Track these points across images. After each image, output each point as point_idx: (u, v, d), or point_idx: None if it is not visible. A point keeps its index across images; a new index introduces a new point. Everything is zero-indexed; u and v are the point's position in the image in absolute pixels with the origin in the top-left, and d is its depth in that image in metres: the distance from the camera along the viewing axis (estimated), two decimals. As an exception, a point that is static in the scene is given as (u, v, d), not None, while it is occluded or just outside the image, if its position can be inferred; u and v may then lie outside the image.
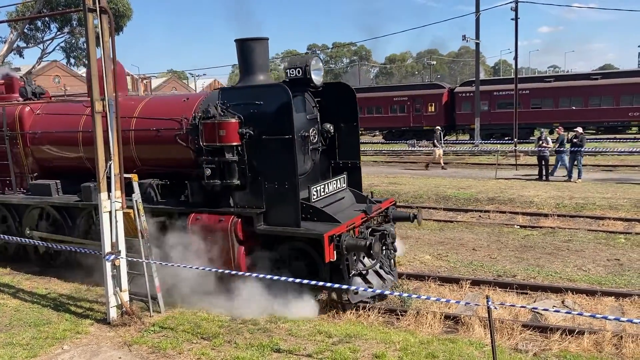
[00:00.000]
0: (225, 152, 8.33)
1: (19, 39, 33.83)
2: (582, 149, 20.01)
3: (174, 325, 7.68)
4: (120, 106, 9.69)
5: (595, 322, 7.42)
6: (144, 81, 45.69)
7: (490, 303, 5.73)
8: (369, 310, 8.35)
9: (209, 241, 8.38)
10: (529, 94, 35.39)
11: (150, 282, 8.16)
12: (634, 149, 25.40)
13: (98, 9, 7.48)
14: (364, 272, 8.62)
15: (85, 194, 9.76)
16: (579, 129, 20.92)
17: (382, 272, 9.10)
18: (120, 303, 7.95)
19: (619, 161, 25.24)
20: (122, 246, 7.93)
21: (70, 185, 10.43)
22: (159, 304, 8.21)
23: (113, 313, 7.92)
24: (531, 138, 32.49)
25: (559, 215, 14.68)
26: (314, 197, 8.71)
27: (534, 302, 8.62)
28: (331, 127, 9.41)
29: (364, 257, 8.78)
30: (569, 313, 6.88)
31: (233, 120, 8.30)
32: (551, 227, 13.55)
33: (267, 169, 8.27)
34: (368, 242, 8.07)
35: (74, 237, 10.15)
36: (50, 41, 36.57)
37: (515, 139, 27.54)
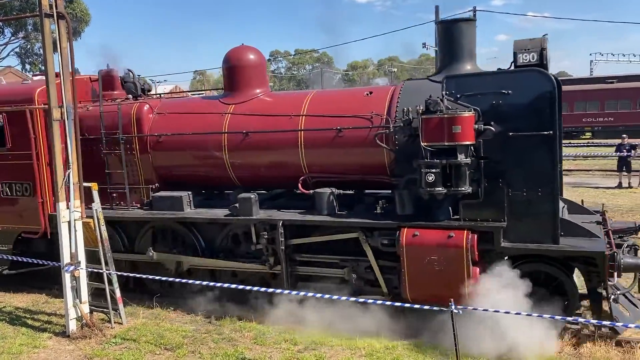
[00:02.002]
0: (458, 153, 6.77)
1: (-30, 44, 32.80)
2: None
3: (136, 337, 7.53)
4: (280, 102, 8.73)
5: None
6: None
7: (453, 307, 5.81)
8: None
9: (433, 263, 6.93)
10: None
11: (111, 293, 7.99)
12: (589, 154, 26.22)
13: (55, 14, 7.33)
14: (615, 296, 7.12)
15: (243, 207, 8.12)
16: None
17: (629, 295, 7.67)
18: (80, 315, 7.76)
19: (574, 165, 25.98)
20: (81, 257, 7.74)
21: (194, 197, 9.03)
22: (121, 315, 8.04)
23: (72, 325, 7.71)
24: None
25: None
26: None
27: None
28: None
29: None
30: (529, 315, 7.02)
31: (468, 114, 6.78)
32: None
33: (514, 173, 6.82)
34: None
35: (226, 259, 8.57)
36: (4, 46, 35.56)
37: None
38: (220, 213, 8.49)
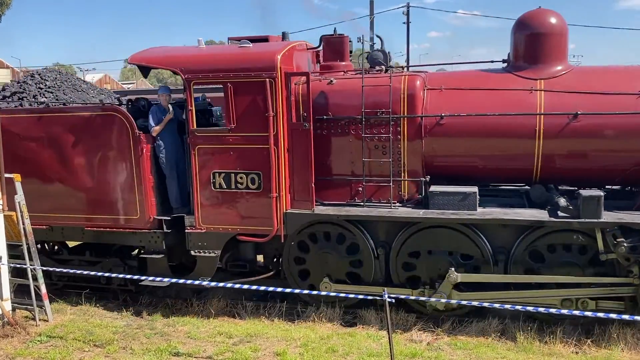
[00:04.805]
0: None
1: None
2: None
3: (63, 334, 7.25)
4: (612, 77, 7.43)
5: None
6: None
7: (386, 296, 5.94)
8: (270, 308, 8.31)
9: None
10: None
11: (36, 289, 7.64)
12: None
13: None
14: None
15: (588, 208, 6.60)
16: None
17: None
18: (1, 313, 7.38)
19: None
20: (3, 252, 7.36)
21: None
22: (47, 311, 7.71)
23: (-7, 324, 7.34)
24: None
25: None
26: None
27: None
28: None
29: None
30: (459, 303, 7.28)
31: None
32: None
33: None
34: None
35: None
36: None
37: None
38: (528, 213, 7.10)
